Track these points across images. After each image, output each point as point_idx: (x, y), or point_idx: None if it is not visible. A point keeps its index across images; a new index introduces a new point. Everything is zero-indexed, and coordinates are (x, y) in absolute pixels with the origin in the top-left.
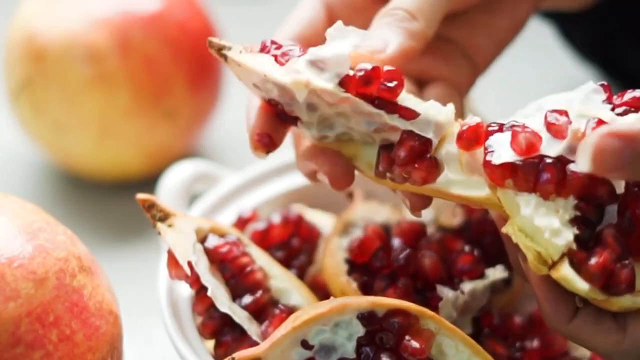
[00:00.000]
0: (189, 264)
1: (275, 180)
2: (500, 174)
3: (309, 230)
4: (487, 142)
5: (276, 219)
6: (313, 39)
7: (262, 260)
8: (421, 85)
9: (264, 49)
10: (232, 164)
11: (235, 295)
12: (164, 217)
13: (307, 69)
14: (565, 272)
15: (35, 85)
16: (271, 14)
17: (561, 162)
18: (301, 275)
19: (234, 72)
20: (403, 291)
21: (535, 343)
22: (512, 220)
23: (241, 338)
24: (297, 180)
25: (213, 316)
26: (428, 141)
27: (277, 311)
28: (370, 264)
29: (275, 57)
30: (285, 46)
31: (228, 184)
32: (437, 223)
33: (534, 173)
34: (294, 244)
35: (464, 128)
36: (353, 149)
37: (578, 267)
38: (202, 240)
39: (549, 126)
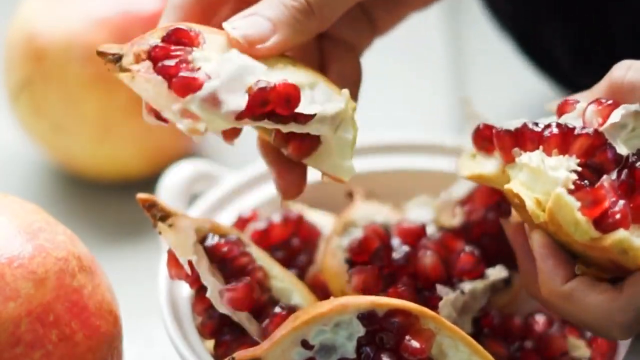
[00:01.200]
0: (190, 263)
1: None
2: (507, 141)
3: (309, 230)
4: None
5: (276, 218)
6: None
7: (262, 260)
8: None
9: (155, 60)
10: (232, 164)
11: None
12: (165, 216)
13: (201, 110)
14: (563, 197)
15: (35, 86)
16: None
17: (566, 126)
18: (301, 275)
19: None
20: (403, 291)
21: (534, 343)
22: (515, 179)
23: (241, 338)
24: None
25: (213, 316)
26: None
27: (278, 310)
28: (371, 264)
29: (170, 81)
30: (174, 58)
31: (228, 184)
32: (437, 223)
33: (538, 133)
34: (294, 244)
35: (481, 126)
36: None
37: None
38: (203, 240)
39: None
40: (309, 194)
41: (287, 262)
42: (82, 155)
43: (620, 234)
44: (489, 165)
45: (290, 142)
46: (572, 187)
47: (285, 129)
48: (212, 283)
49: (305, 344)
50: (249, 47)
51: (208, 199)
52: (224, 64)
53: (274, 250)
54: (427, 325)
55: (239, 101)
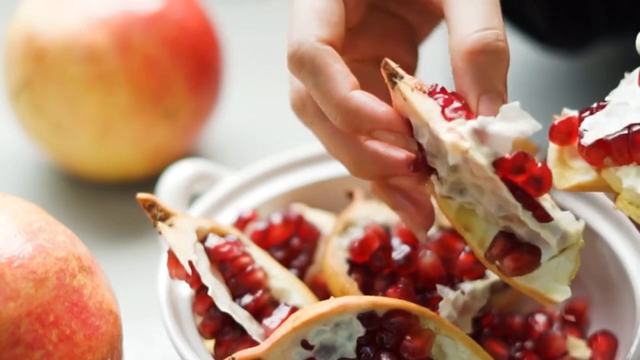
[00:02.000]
0: (190, 263)
1: (275, 180)
2: (597, 155)
3: (309, 230)
4: (580, 128)
5: (276, 218)
6: (338, 40)
7: (263, 260)
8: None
9: (432, 93)
10: (232, 164)
11: (236, 295)
12: (165, 216)
13: (470, 136)
14: None
15: (35, 85)
16: (271, 14)
17: None
18: (301, 275)
19: (393, 98)
20: (403, 291)
21: (534, 343)
22: (620, 196)
23: (241, 338)
24: (297, 180)
25: (213, 316)
26: (538, 250)
27: (284, 308)
28: (371, 264)
29: (443, 108)
30: (454, 101)
31: (228, 184)
32: (437, 223)
33: (625, 144)
34: (294, 244)
35: (555, 123)
36: (471, 220)
37: None
38: (203, 240)
39: None
40: (309, 194)
41: (287, 262)
42: (82, 155)
43: None
44: (582, 170)
45: (510, 254)
46: None
47: (523, 215)
48: (213, 283)
49: (305, 344)
50: None
51: (208, 199)
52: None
53: (274, 250)
54: (427, 325)
55: (502, 151)
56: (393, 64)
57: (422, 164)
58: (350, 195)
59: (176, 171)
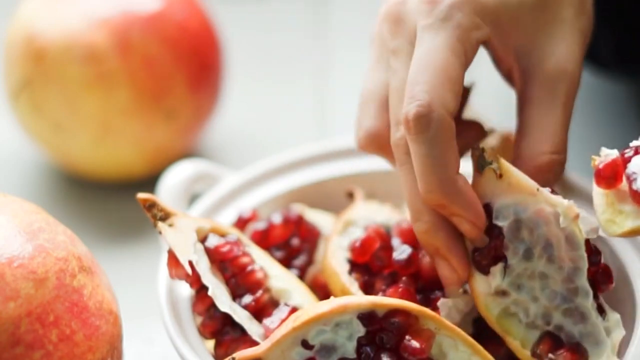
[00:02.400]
0: (190, 263)
1: (275, 180)
2: None
3: (309, 230)
4: (628, 171)
5: (276, 218)
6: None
7: (263, 260)
8: None
9: None
10: (232, 164)
11: (236, 295)
12: (165, 216)
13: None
14: None
15: (35, 85)
16: (271, 14)
17: None
18: (301, 275)
19: (477, 183)
20: (404, 291)
21: None
22: None
23: (241, 338)
24: (297, 180)
25: (213, 316)
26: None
27: (284, 308)
28: (371, 264)
29: None
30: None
31: (228, 184)
32: None
33: None
34: (295, 244)
35: (600, 166)
36: (512, 325)
37: None
38: (203, 239)
39: None
40: (309, 194)
41: (287, 262)
42: (82, 155)
43: None
44: (634, 214)
45: (560, 350)
46: None
47: (592, 306)
48: (213, 283)
49: (305, 344)
50: None
51: (208, 199)
52: None
53: (274, 250)
54: (427, 325)
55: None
56: (487, 150)
57: (488, 254)
58: (350, 196)
59: (176, 171)
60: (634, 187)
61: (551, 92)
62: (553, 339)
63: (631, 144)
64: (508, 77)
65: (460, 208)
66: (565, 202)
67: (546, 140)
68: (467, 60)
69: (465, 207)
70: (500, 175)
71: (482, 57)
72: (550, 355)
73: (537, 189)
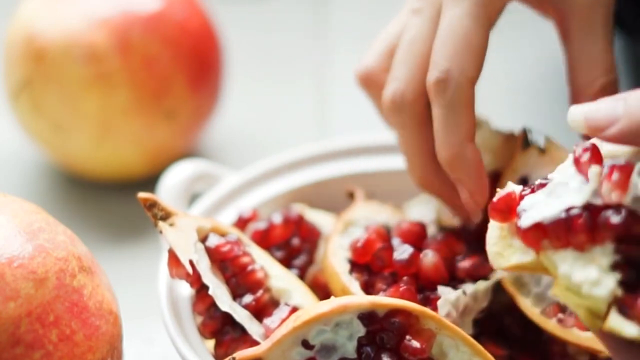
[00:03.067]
0: (191, 262)
1: (275, 180)
2: (533, 237)
3: (309, 230)
4: (519, 207)
5: (277, 218)
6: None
7: (263, 260)
8: None
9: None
10: (232, 164)
11: (236, 295)
12: (165, 216)
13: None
14: (612, 323)
15: (35, 85)
16: (271, 14)
17: (590, 209)
18: (302, 275)
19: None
20: (406, 291)
21: (535, 345)
22: (557, 281)
23: (241, 338)
24: (297, 180)
25: (213, 316)
26: None
27: (284, 307)
28: (372, 264)
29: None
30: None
31: (228, 183)
32: (439, 223)
33: (563, 228)
34: (295, 244)
35: (495, 200)
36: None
37: (629, 312)
38: (203, 239)
39: (577, 165)
40: (309, 194)
41: (287, 262)
42: (82, 155)
43: None
44: (521, 250)
45: None
46: (620, 293)
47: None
48: (214, 282)
49: (305, 344)
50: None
51: (208, 198)
52: None
53: (275, 250)
54: (428, 325)
55: None
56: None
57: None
58: (350, 196)
59: (176, 171)
60: (519, 223)
61: (589, 19)
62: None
63: (538, 181)
64: (547, 17)
65: (464, 174)
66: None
67: (595, 66)
68: (490, 22)
69: (468, 175)
70: (543, 152)
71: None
72: (559, 315)
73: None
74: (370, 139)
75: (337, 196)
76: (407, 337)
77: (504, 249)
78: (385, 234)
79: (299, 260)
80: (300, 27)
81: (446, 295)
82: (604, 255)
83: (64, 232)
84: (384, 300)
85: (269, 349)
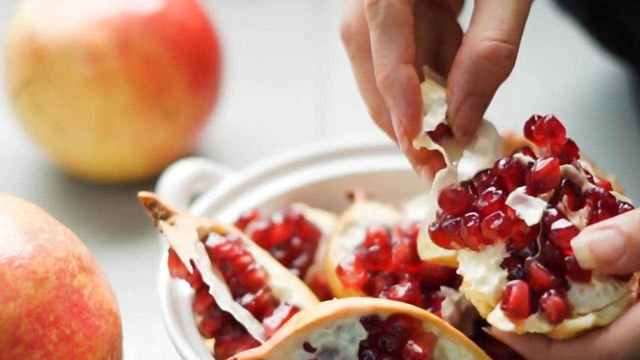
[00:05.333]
0: (191, 262)
1: (275, 180)
2: (441, 239)
3: (310, 230)
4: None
5: (277, 218)
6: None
7: (263, 260)
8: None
9: None
10: (232, 164)
11: (236, 294)
12: (166, 215)
13: None
14: (490, 318)
15: (35, 85)
16: (271, 14)
17: (480, 211)
18: (302, 275)
19: None
20: (410, 293)
21: None
22: (464, 282)
23: (242, 337)
24: (297, 180)
25: (213, 315)
26: None
27: (285, 307)
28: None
29: None
30: None
31: (228, 183)
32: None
33: (457, 231)
34: (295, 244)
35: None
36: None
37: (503, 306)
38: (204, 238)
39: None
40: (309, 194)
41: (287, 262)
42: (82, 155)
43: (569, 324)
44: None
45: None
46: (504, 288)
47: None
48: (214, 282)
49: (307, 347)
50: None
51: (208, 198)
52: None
53: (275, 250)
54: (430, 329)
55: None
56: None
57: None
58: (350, 196)
59: (176, 171)
60: (431, 228)
61: None
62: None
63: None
64: None
65: (393, 97)
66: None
67: (492, 27)
68: None
69: (396, 98)
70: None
71: None
72: None
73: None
74: (370, 139)
75: (337, 196)
76: (409, 341)
77: (431, 243)
78: (385, 236)
79: (300, 260)
80: (300, 27)
81: (450, 295)
82: (495, 254)
83: (64, 232)
84: (387, 304)
85: (271, 351)
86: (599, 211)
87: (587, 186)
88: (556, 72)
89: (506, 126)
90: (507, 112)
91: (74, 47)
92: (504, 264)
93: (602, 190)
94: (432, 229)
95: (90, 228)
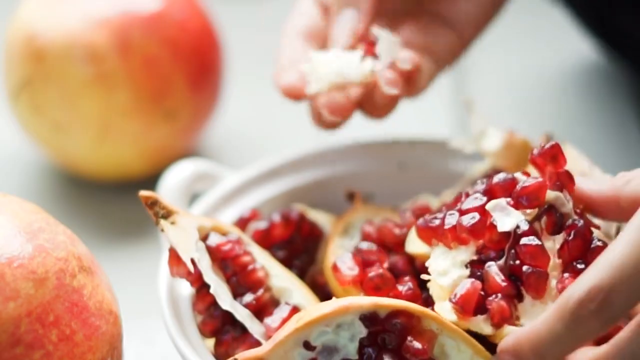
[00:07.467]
0: (192, 261)
1: (275, 180)
2: (425, 234)
3: (310, 230)
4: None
5: (278, 218)
6: (314, 33)
7: (264, 259)
8: None
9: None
10: (232, 164)
11: (237, 294)
12: (167, 214)
13: None
14: (437, 307)
15: (35, 85)
16: (271, 14)
17: (461, 213)
18: (302, 274)
19: None
20: (407, 291)
21: None
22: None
23: (242, 337)
24: (297, 180)
25: (214, 315)
26: None
27: (285, 307)
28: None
29: None
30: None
31: (228, 183)
32: None
33: (439, 229)
34: (296, 243)
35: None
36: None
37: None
38: (204, 238)
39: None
40: (309, 194)
41: (288, 262)
42: (82, 155)
43: (508, 330)
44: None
45: None
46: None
47: None
48: (214, 281)
49: (307, 345)
50: None
51: (209, 198)
52: None
53: (275, 249)
54: (429, 326)
55: None
56: None
57: None
58: (350, 196)
59: (176, 171)
60: (418, 222)
61: None
62: None
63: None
64: None
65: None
66: None
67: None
68: None
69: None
70: None
71: (483, 58)
72: None
73: None
74: (370, 139)
75: (336, 196)
76: (409, 338)
77: (417, 238)
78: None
79: (300, 260)
80: None
81: None
82: (465, 253)
83: (64, 232)
84: (386, 301)
85: (271, 350)
86: (571, 237)
87: (573, 218)
88: (556, 72)
89: (505, 125)
90: (507, 113)
91: (74, 47)
92: (469, 264)
93: (582, 221)
94: (419, 223)
95: (90, 228)
